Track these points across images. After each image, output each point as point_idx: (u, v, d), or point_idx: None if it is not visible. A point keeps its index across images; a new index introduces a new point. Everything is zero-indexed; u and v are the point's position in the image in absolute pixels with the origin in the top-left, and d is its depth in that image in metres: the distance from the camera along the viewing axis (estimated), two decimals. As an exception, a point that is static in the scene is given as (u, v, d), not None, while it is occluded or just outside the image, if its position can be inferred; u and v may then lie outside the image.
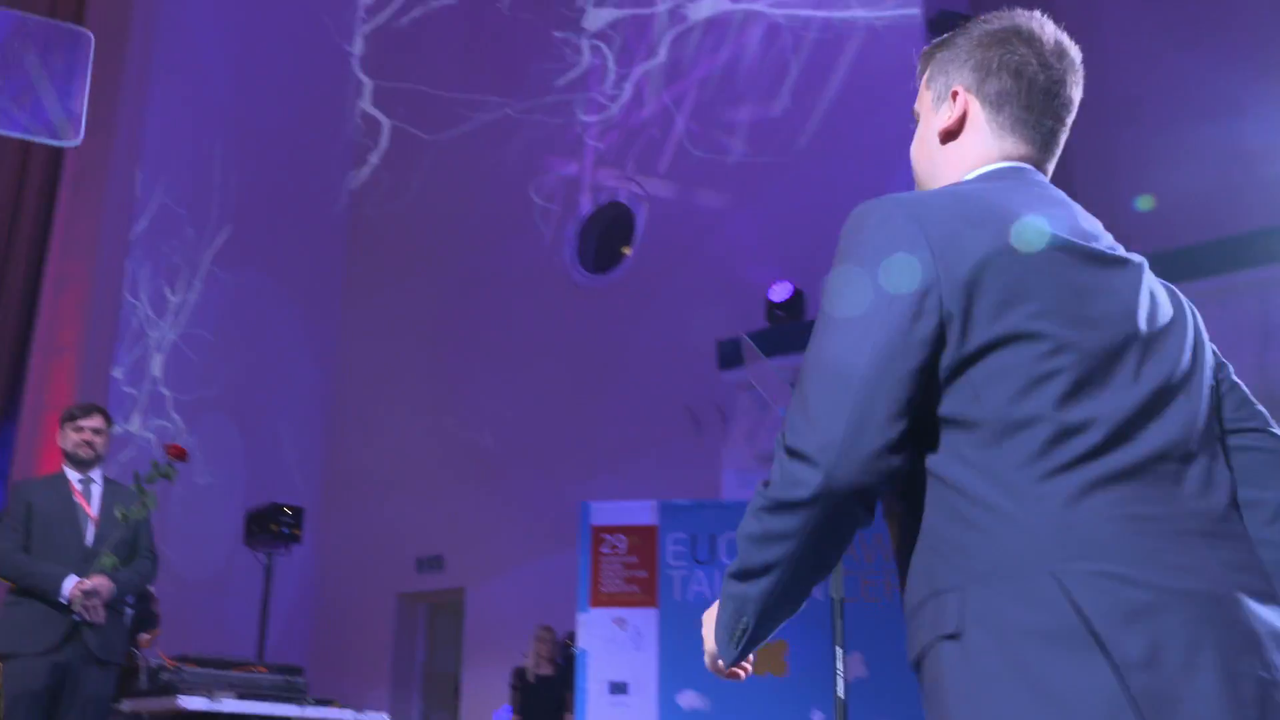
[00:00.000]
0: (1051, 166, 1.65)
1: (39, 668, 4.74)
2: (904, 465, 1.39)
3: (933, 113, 1.67)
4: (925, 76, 1.71)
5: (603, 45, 11.11)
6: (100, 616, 4.81)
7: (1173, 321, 1.52)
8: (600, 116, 10.96)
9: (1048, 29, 1.63)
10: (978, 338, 1.39)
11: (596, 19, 11.17)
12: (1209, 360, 1.56)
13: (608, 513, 8.14)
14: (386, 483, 11.51)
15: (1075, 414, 1.37)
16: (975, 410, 1.38)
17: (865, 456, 1.35)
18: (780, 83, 9.55)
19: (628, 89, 10.90)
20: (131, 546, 5.08)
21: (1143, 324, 1.46)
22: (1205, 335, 1.59)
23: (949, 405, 1.40)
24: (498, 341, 11.05)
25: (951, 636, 1.34)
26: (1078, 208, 1.56)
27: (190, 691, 6.00)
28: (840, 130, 9.21)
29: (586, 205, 11.11)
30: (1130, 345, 1.44)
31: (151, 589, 7.88)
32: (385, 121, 12.13)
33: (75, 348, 10.32)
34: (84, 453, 5.09)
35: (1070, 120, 1.65)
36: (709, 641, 1.55)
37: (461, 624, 10.92)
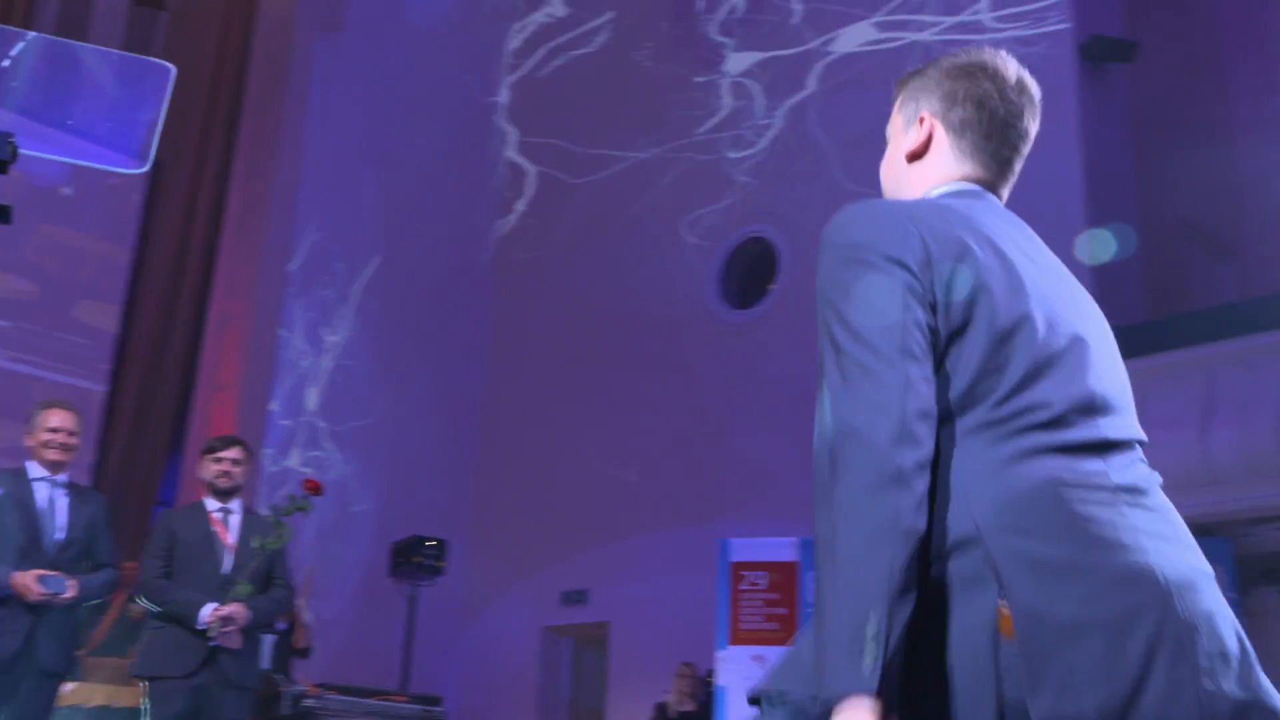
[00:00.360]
0: (1006, 192, 1.81)
1: (180, 691, 4.88)
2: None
3: (902, 134, 1.83)
4: (898, 102, 1.85)
5: (747, 82, 11.14)
6: (236, 642, 4.94)
7: (1105, 330, 1.70)
8: (745, 153, 10.97)
9: (1011, 66, 1.79)
10: (951, 326, 1.53)
11: (740, 63, 11.23)
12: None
13: (748, 549, 8.06)
14: (532, 516, 11.64)
15: (1025, 397, 1.51)
16: (944, 385, 1.52)
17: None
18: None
19: (776, 123, 10.90)
20: (267, 576, 5.20)
21: (1081, 328, 1.63)
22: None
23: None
24: (641, 377, 11.09)
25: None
26: (1027, 228, 1.74)
27: (330, 718, 6.17)
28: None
29: (731, 241, 11.11)
30: (1073, 345, 1.59)
31: (305, 620, 8.09)
32: (530, 168, 12.37)
33: (236, 383, 10.73)
34: (223, 483, 5.23)
35: (1025, 150, 1.80)
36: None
37: (606, 658, 10.94)
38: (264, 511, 5.35)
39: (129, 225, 10.91)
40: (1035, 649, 1.37)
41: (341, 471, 11.05)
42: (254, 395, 10.71)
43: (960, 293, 1.54)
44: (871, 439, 1.46)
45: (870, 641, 1.38)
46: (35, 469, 4.98)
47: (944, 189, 1.75)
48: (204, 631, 4.90)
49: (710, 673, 8.25)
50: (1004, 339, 1.53)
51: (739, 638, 7.98)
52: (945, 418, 1.51)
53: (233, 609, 4.94)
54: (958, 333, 1.53)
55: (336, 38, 12.09)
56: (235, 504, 5.31)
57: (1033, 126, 1.79)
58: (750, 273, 11.16)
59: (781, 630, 8.03)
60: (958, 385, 1.52)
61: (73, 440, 5.03)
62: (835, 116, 10.31)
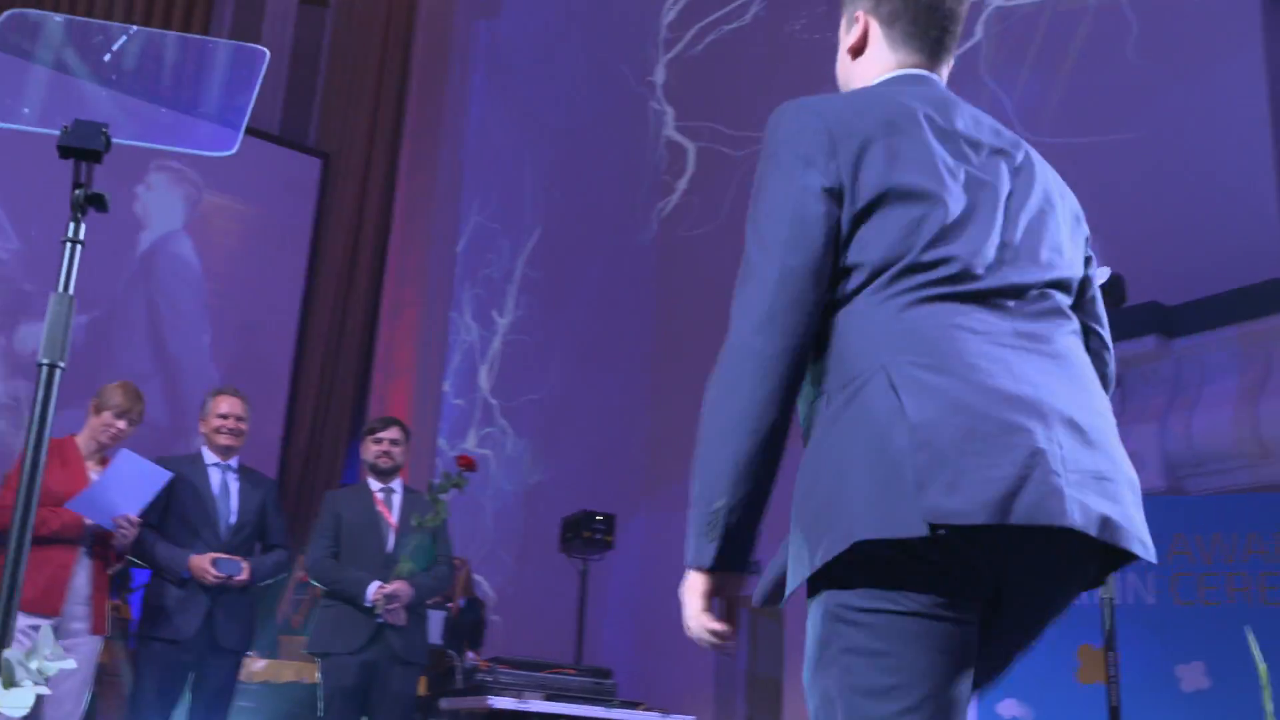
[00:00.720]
0: (945, 70, 1.99)
1: (350, 666, 5.06)
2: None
3: (845, 35, 2.05)
4: (843, 9, 2.08)
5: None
6: (401, 619, 5.09)
7: (1045, 198, 1.84)
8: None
9: None
10: (864, 197, 1.70)
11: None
12: (1080, 237, 1.91)
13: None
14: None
15: (932, 254, 1.68)
16: (861, 256, 1.69)
17: (801, 281, 1.75)
18: (1113, 59, 9.03)
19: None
20: (430, 553, 5.34)
21: (1003, 192, 1.78)
22: (1081, 218, 1.94)
23: (847, 256, 1.70)
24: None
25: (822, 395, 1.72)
26: (967, 106, 1.89)
27: (501, 692, 6.28)
28: (1169, 107, 8.58)
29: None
30: (987, 203, 1.75)
31: (476, 595, 8.28)
32: (690, 145, 12.35)
33: (410, 368, 11.02)
34: (383, 463, 5.40)
35: (956, 30, 1.98)
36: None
37: (782, 626, 10.89)
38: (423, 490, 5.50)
39: (304, 220, 11.30)
40: (926, 457, 1.55)
41: (515, 447, 11.27)
42: (428, 379, 11.00)
43: (868, 174, 1.71)
44: (740, 331, 1.69)
45: (717, 524, 1.67)
46: (208, 455, 5.21)
47: (884, 77, 1.95)
48: (371, 609, 5.08)
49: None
50: (913, 207, 1.70)
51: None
52: (860, 287, 1.70)
53: (396, 586, 5.10)
54: (868, 209, 1.71)
55: (494, 23, 12.29)
56: (396, 483, 5.47)
57: (960, 7, 1.99)
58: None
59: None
60: (871, 255, 1.69)
61: (241, 425, 5.22)
62: (1008, 66, 9.99)
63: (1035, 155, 1.92)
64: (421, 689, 6.21)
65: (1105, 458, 1.65)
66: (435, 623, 7.04)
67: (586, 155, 12.13)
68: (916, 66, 1.96)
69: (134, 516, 4.71)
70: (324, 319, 11.56)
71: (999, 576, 1.64)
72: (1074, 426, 1.64)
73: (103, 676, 5.99)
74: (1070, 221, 1.90)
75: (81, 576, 4.72)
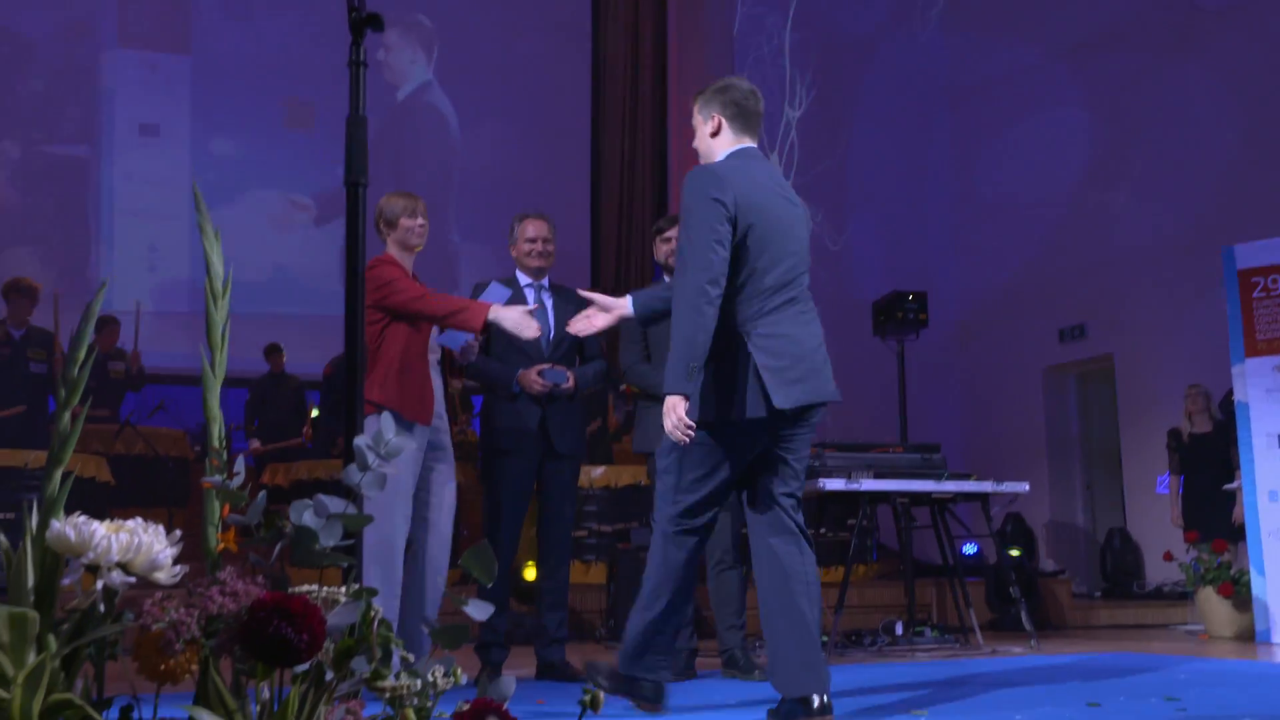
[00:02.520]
0: (757, 138, 3.81)
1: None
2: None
3: (704, 125, 3.82)
4: (696, 108, 3.85)
5: None
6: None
7: (807, 233, 3.75)
8: None
9: (745, 83, 3.83)
10: (737, 235, 3.53)
11: None
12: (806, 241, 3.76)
13: (1255, 253, 7.33)
14: (1015, 254, 11.23)
15: (758, 274, 3.57)
16: (735, 270, 3.54)
17: (723, 273, 3.51)
18: None
19: None
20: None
21: (795, 230, 3.69)
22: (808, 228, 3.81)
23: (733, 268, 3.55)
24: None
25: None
26: (774, 166, 4.19)
27: (830, 475, 6.36)
28: None
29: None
30: (788, 242, 3.63)
31: None
32: None
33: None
34: (674, 261, 5.39)
35: (761, 120, 3.83)
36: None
37: (1112, 391, 10.50)
38: None
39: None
40: (771, 381, 3.51)
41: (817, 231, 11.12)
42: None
43: (740, 215, 3.53)
44: (693, 286, 3.45)
45: (693, 373, 3.42)
46: (522, 277, 5.37)
47: (729, 150, 3.76)
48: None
49: (1229, 391, 7.69)
50: (754, 241, 3.55)
51: (1256, 349, 7.28)
52: (734, 281, 3.54)
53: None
54: (739, 236, 3.53)
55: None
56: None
57: (761, 105, 3.82)
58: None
59: (1304, 334, 7.31)
60: (738, 266, 3.55)
61: (549, 246, 5.32)
62: None
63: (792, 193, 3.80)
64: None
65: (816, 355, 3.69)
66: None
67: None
68: (745, 143, 3.79)
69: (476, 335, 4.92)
70: (615, 133, 11.69)
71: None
72: (822, 350, 3.70)
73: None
74: (805, 233, 3.75)
75: (440, 392, 4.99)
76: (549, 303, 5.34)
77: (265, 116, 11.91)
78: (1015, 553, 8.85)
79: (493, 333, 5.09)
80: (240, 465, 1.79)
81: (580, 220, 12.31)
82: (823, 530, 8.07)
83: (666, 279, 5.35)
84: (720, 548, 5.29)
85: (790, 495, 3.64)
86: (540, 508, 5.25)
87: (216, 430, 1.80)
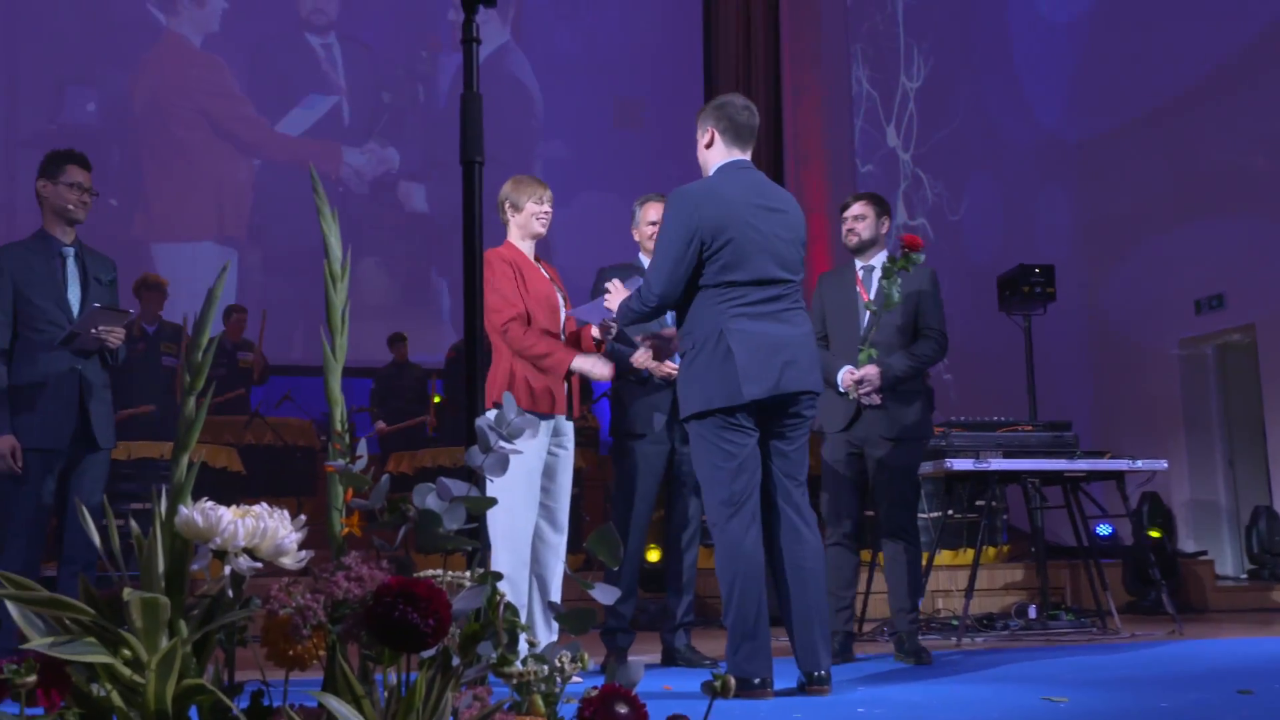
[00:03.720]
0: (749, 153, 4.19)
1: (840, 443, 5.21)
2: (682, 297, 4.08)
3: (701, 137, 4.19)
4: (698, 122, 4.22)
5: None
6: (874, 401, 5.13)
7: (794, 235, 4.12)
8: None
9: (740, 98, 4.23)
10: (709, 246, 3.98)
11: None
12: (798, 248, 4.17)
13: None
14: (1145, 227, 10.84)
15: (731, 277, 3.99)
16: (708, 278, 4.00)
17: (673, 293, 4.05)
18: None
19: None
20: (911, 331, 5.29)
21: (777, 235, 4.06)
22: (800, 235, 4.18)
23: (704, 277, 4.01)
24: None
25: (691, 348, 4.06)
26: (761, 176, 4.18)
27: (958, 455, 6.21)
28: None
29: None
30: (766, 247, 4.02)
31: None
32: None
33: (819, 153, 10.92)
34: (850, 240, 5.37)
35: (754, 134, 4.21)
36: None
37: (1255, 361, 10.07)
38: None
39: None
40: (743, 371, 3.90)
41: (951, 211, 10.87)
42: (841, 158, 10.80)
43: (715, 233, 3.96)
44: (650, 294, 4.10)
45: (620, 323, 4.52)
46: (644, 259, 5.35)
47: (720, 164, 4.14)
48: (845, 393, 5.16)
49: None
50: (731, 251, 3.97)
51: None
52: (708, 284, 4.00)
53: (865, 371, 5.14)
54: (716, 248, 3.96)
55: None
56: (877, 258, 5.40)
57: (754, 120, 4.18)
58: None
59: None
60: (720, 271, 3.97)
61: None
62: None
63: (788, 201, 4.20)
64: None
65: (805, 353, 4.06)
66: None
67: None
68: (736, 155, 4.14)
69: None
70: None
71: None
72: (794, 346, 4.04)
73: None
74: (792, 235, 4.11)
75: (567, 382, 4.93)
76: None
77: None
78: (1155, 534, 8.55)
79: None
80: (363, 449, 1.77)
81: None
82: (950, 512, 7.88)
83: (855, 261, 5.33)
84: (840, 530, 5.27)
85: (790, 477, 4.01)
86: (670, 491, 5.21)
87: (339, 414, 1.78)
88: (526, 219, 4.81)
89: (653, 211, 5.29)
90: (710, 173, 4.16)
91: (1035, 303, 8.72)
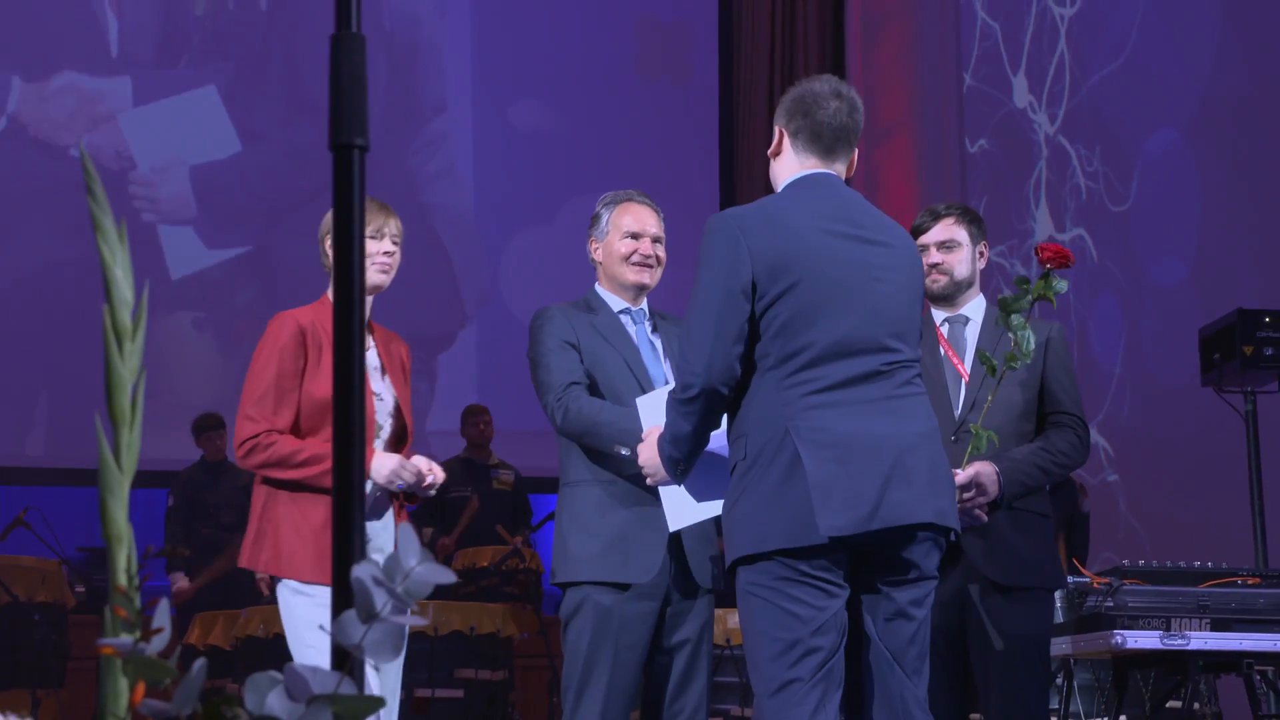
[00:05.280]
0: (842, 167, 2.78)
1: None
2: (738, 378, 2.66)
3: (773, 142, 2.86)
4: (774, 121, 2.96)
5: None
6: (981, 518, 3.22)
7: (903, 280, 2.75)
8: None
9: (828, 84, 2.80)
10: (764, 295, 2.61)
11: None
12: (917, 308, 2.86)
13: None
14: None
15: (795, 344, 2.61)
16: (765, 347, 2.63)
17: (723, 367, 2.63)
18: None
19: None
20: (1030, 414, 3.40)
21: (875, 279, 2.68)
22: (916, 281, 2.85)
23: (759, 346, 2.63)
24: None
25: (744, 459, 2.65)
26: (858, 201, 2.84)
27: (1133, 623, 4.00)
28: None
29: None
30: (857, 294, 2.65)
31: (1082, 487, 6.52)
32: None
33: (903, 125, 9.66)
34: (939, 283, 3.53)
35: (849, 137, 2.77)
36: (655, 465, 2.95)
37: None
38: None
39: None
40: (819, 494, 2.52)
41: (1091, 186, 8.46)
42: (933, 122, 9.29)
43: (774, 274, 2.60)
44: (692, 376, 2.66)
45: (679, 465, 2.80)
46: (610, 298, 4.86)
47: (791, 179, 2.79)
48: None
49: None
50: (798, 302, 2.60)
51: None
52: (765, 359, 2.64)
53: (976, 470, 3.20)
54: (772, 298, 2.61)
55: None
56: (972, 305, 3.53)
57: (850, 120, 2.77)
58: None
59: None
60: (778, 336, 2.61)
61: (659, 250, 5.05)
62: None
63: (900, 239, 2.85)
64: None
65: (929, 463, 2.70)
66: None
67: None
68: (815, 168, 2.75)
69: None
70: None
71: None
72: (912, 453, 2.65)
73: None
74: (899, 280, 2.73)
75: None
76: (658, 344, 3.48)
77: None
78: None
79: None
80: (162, 614, 1.12)
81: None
82: (1122, 719, 5.18)
83: (935, 312, 3.83)
84: None
85: (898, 662, 2.64)
86: (657, 681, 4.19)
87: (124, 556, 1.12)
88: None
89: (636, 220, 3.42)
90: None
91: (1266, 371, 5.45)
